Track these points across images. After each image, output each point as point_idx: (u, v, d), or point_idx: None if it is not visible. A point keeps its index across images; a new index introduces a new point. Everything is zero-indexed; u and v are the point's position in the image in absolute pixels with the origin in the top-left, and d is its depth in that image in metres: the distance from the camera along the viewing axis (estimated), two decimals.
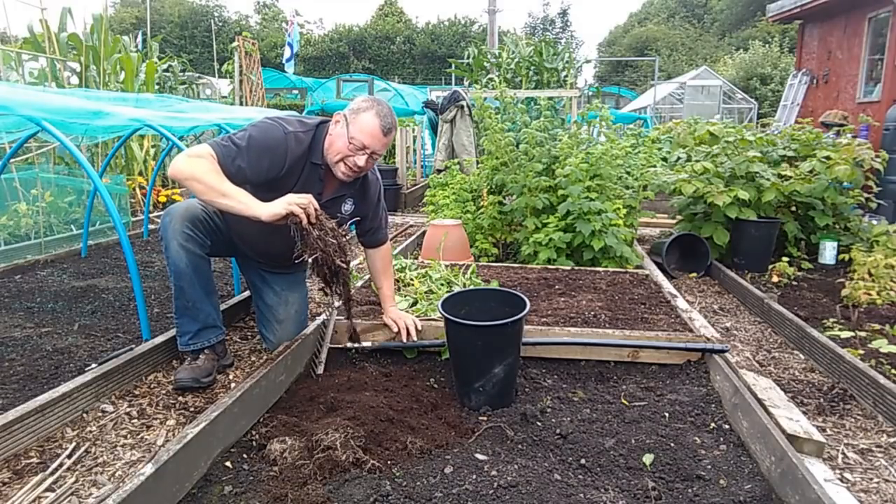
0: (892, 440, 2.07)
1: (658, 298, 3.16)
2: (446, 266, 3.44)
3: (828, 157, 4.38)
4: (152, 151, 7.66)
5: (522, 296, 2.21)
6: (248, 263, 2.68)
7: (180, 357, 2.54)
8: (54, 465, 1.78)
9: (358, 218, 2.55)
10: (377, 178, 2.55)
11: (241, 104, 9.87)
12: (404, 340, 2.48)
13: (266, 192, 2.28)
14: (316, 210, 2.04)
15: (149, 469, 1.49)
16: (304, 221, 2.00)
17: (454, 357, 2.18)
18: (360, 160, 2.22)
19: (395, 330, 2.50)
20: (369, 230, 2.60)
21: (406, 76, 36.64)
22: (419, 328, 2.50)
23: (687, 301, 3.30)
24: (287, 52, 13.84)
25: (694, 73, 21.96)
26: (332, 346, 2.53)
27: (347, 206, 2.46)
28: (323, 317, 2.68)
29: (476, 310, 2.26)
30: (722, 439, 1.91)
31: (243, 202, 2.02)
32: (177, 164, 2.05)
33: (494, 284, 2.98)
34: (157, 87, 8.64)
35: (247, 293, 3.25)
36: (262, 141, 2.16)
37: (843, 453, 1.98)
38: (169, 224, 2.25)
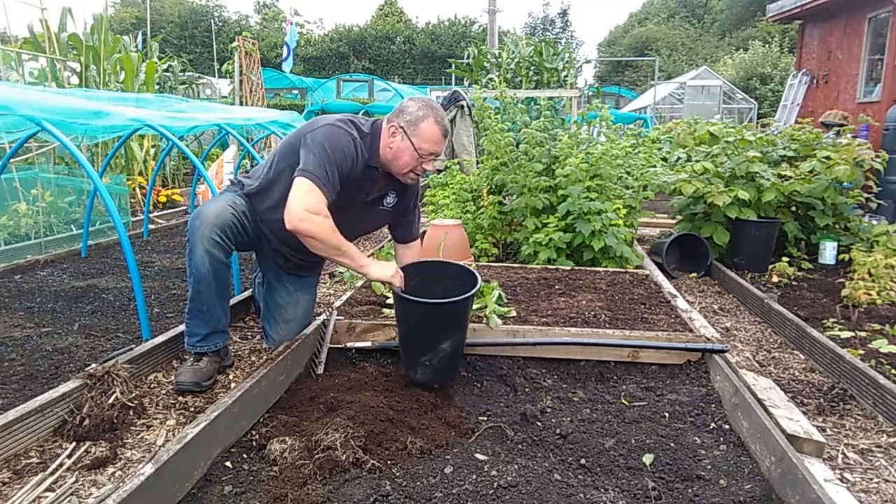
0: (892, 440, 2.07)
1: (658, 298, 3.16)
2: None
3: (828, 158, 4.38)
4: (152, 151, 7.67)
5: (475, 272, 2.27)
6: (267, 262, 2.66)
7: (181, 357, 2.54)
8: (54, 465, 1.78)
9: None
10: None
11: (241, 104, 9.87)
12: None
13: None
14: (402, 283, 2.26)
15: (149, 469, 1.49)
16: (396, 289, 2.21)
17: (403, 331, 2.24)
18: (429, 165, 2.36)
19: None
20: (402, 224, 2.67)
21: (406, 76, 36.64)
22: None
23: (687, 301, 3.30)
24: (284, 52, 13.90)
25: (694, 73, 21.96)
26: (332, 346, 2.53)
27: (389, 199, 2.54)
28: (323, 317, 2.68)
29: (427, 281, 2.31)
30: (722, 439, 1.91)
31: (355, 259, 2.23)
32: (299, 217, 2.09)
33: (494, 284, 2.98)
34: (157, 87, 8.65)
35: (247, 293, 3.25)
36: (342, 157, 2.23)
37: (843, 453, 1.98)
38: (198, 229, 2.24)
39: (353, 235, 2.56)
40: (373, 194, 2.44)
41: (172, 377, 2.38)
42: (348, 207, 2.39)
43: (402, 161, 2.30)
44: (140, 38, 11.62)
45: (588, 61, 17.28)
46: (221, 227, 2.26)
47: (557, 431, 1.91)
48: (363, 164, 2.33)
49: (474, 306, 2.83)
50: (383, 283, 2.30)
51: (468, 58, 14.75)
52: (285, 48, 13.96)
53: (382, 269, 2.25)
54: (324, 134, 2.23)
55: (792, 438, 1.87)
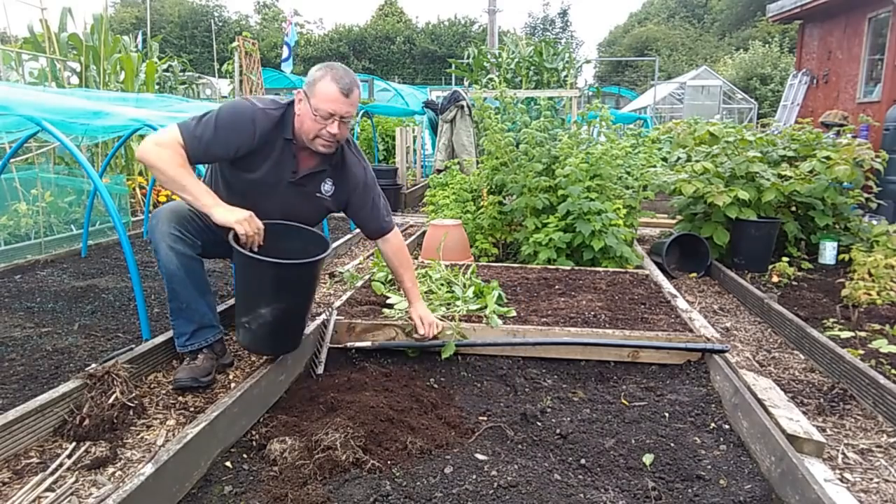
0: (892, 440, 2.07)
1: (658, 298, 3.16)
2: (446, 266, 3.43)
3: (828, 158, 4.38)
4: None
5: (328, 246, 2.25)
6: None
7: (180, 357, 2.54)
8: (54, 465, 1.78)
9: (344, 205, 2.49)
10: (359, 161, 2.45)
11: None
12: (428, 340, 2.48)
13: (240, 170, 2.27)
14: (258, 237, 2.11)
15: (149, 469, 1.49)
16: (243, 244, 2.07)
17: (235, 282, 2.23)
18: (333, 128, 2.18)
19: (421, 331, 2.48)
20: (364, 219, 2.51)
21: (406, 76, 36.62)
22: (436, 333, 2.50)
23: (687, 301, 3.30)
24: (284, 52, 13.86)
25: (694, 73, 21.95)
26: (332, 345, 2.53)
27: (327, 187, 2.40)
28: (323, 317, 2.68)
29: (294, 246, 2.23)
30: (722, 439, 1.91)
31: (198, 197, 2.08)
32: (145, 149, 2.09)
33: (494, 284, 2.98)
34: (157, 87, 8.63)
35: None
36: (230, 119, 2.16)
37: (843, 453, 1.98)
38: (156, 227, 2.23)
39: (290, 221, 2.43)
40: (300, 172, 2.31)
41: (172, 377, 2.38)
42: (275, 188, 2.30)
43: (306, 126, 2.19)
44: (140, 38, 11.61)
45: (588, 61, 17.30)
46: (178, 220, 2.25)
47: (557, 431, 1.91)
48: (277, 137, 2.23)
49: (474, 307, 2.83)
50: (227, 227, 2.07)
51: (468, 58, 14.76)
52: (285, 48, 13.93)
53: (228, 212, 2.06)
54: (225, 103, 2.23)
55: (792, 438, 1.87)
